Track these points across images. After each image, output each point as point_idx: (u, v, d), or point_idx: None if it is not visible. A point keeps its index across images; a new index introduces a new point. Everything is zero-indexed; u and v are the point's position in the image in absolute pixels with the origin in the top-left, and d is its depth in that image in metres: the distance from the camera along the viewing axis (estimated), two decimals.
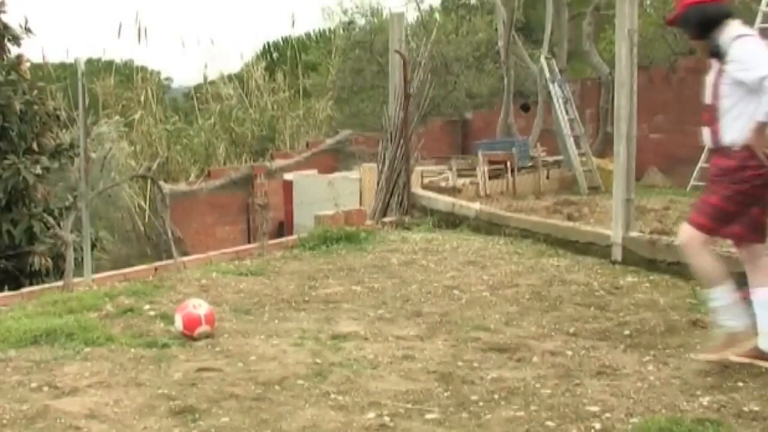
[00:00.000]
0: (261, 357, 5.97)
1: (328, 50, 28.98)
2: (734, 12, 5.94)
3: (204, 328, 6.47)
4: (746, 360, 5.69)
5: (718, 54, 5.69)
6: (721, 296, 5.77)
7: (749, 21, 20.02)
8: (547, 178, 18.86)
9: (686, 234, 5.87)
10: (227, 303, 7.51)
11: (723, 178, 5.70)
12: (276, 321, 7.02)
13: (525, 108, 23.67)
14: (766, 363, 5.65)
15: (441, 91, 23.04)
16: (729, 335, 5.77)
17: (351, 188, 15.18)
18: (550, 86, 19.74)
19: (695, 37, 5.92)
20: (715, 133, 5.74)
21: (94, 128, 16.57)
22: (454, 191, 15.45)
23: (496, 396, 5.22)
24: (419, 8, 29.62)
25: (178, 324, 6.50)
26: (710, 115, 5.76)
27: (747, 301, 5.78)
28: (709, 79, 5.81)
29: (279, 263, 9.46)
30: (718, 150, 5.76)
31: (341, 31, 29.14)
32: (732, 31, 5.68)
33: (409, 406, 5.06)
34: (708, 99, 5.80)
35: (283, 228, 17.57)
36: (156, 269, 9.24)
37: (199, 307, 6.57)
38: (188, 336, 6.42)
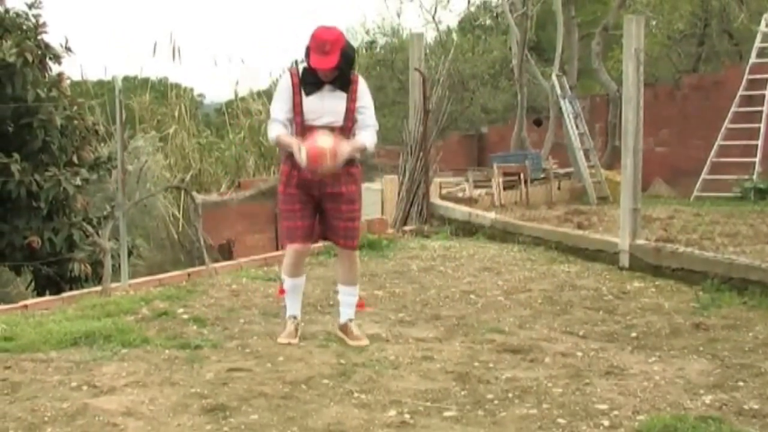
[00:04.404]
0: (288, 358, 5.98)
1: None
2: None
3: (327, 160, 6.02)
4: None
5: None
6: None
7: (749, 41, 20.02)
8: (559, 189, 18.80)
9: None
10: (256, 307, 7.52)
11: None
12: (303, 323, 7.02)
13: (537, 123, 23.64)
14: None
15: (458, 106, 23.09)
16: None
17: (373, 198, 15.15)
18: (561, 102, 19.71)
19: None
20: None
21: (130, 142, 16.66)
22: (470, 201, 15.42)
23: (510, 395, 5.21)
24: (438, 29, 29.68)
25: (304, 155, 6.09)
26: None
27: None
28: None
29: (306, 269, 9.45)
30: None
31: (364, 50, 29.20)
32: None
33: (428, 404, 5.06)
34: None
35: None
36: (189, 275, 9.25)
37: (326, 142, 6.06)
38: (313, 161, 6.08)
